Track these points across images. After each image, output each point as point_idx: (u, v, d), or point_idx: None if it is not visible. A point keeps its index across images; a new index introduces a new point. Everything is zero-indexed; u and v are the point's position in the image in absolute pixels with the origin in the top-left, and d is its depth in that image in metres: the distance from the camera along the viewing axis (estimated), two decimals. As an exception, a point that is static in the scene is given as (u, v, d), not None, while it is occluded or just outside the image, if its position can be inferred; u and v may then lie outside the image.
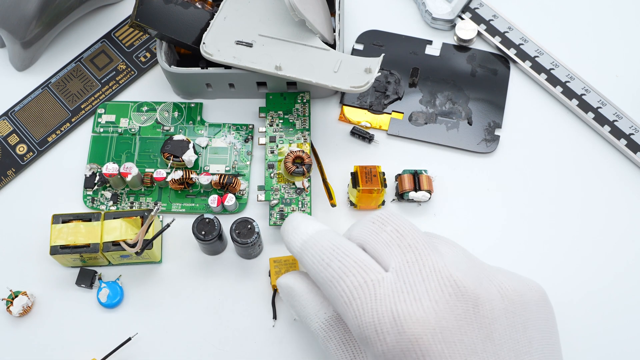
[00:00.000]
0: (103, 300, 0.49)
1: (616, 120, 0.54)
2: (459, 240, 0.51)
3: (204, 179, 0.51)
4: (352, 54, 0.57)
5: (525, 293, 0.39)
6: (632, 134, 0.53)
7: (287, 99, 0.54)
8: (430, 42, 0.58)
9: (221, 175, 0.51)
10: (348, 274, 0.37)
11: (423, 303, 0.35)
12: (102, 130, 0.54)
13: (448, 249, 0.40)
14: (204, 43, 0.51)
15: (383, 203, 0.52)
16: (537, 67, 0.56)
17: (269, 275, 0.49)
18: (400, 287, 0.36)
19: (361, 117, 0.55)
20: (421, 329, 0.35)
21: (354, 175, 0.50)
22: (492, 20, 0.58)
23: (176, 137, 0.52)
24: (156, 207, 0.47)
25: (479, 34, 0.58)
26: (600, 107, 0.54)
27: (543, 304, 0.39)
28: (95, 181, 0.52)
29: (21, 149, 0.54)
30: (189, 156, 0.51)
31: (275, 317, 0.49)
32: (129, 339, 0.47)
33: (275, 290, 0.49)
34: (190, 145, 0.52)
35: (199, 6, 0.54)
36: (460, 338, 0.35)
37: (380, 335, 0.35)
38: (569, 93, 0.55)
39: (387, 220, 0.40)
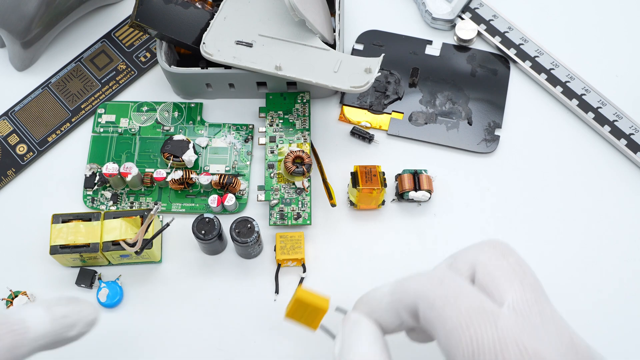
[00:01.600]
0: (103, 300, 0.49)
1: (616, 120, 0.54)
2: (458, 240, 0.51)
3: (204, 179, 0.51)
4: (352, 54, 0.57)
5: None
6: (632, 134, 0.53)
7: (287, 99, 0.54)
8: (430, 42, 0.58)
9: (221, 175, 0.51)
10: (463, 296, 0.34)
11: (545, 344, 0.33)
12: (102, 130, 0.54)
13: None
14: (204, 43, 0.51)
15: (383, 203, 0.52)
16: (537, 67, 0.56)
17: (274, 250, 0.50)
18: (519, 324, 0.33)
19: (361, 117, 0.55)
20: None
21: (354, 175, 0.50)
22: (492, 20, 0.58)
23: (176, 137, 0.52)
24: (156, 207, 0.47)
25: (479, 34, 0.58)
26: (600, 107, 0.54)
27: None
28: (95, 181, 0.52)
29: (21, 149, 0.54)
30: (189, 156, 0.51)
31: (277, 291, 0.49)
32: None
33: (279, 265, 0.49)
34: (190, 145, 0.52)
35: (199, 6, 0.54)
36: None
37: None
38: (569, 93, 0.55)
39: (510, 251, 0.37)
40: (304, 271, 0.50)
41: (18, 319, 0.36)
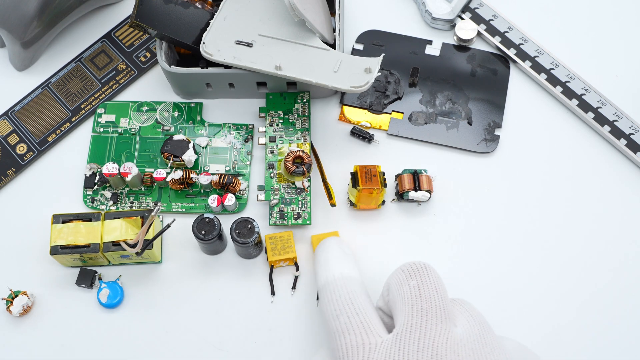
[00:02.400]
0: (103, 300, 0.49)
1: (616, 120, 0.54)
2: (458, 240, 0.51)
3: (203, 179, 0.51)
4: (352, 54, 0.57)
5: None
6: (632, 134, 0.53)
7: (287, 99, 0.54)
8: (430, 42, 0.58)
9: (221, 175, 0.51)
10: (350, 331, 0.39)
11: None
12: (102, 130, 0.54)
13: (465, 321, 0.39)
14: (204, 43, 0.51)
15: (383, 203, 0.52)
16: (537, 67, 0.56)
17: (265, 252, 0.50)
18: (393, 355, 0.37)
19: (361, 117, 0.55)
20: None
21: (353, 175, 0.50)
22: (492, 20, 0.58)
23: (176, 137, 0.52)
24: (156, 208, 0.47)
25: (479, 34, 0.58)
26: (600, 107, 0.54)
27: None
28: (95, 181, 0.52)
29: (21, 148, 0.54)
30: (189, 156, 0.51)
31: (273, 292, 0.49)
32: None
33: (272, 267, 0.50)
34: (190, 145, 0.52)
35: (199, 6, 0.54)
36: None
37: None
38: (569, 93, 0.55)
39: (414, 272, 0.40)
40: (297, 269, 0.50)
41: None
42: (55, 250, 0.47)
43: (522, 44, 0.57)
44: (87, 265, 0.50)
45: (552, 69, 0.56)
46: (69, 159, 0.54)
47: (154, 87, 0.57)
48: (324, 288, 0.43)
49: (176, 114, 0.55)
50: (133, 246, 0.47)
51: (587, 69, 0.56)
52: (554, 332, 0.49)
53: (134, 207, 0.52)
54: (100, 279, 0.50)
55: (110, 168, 0.50)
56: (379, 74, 0.55)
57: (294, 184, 0.51)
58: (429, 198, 0.51)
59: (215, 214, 0.51)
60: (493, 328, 0.40)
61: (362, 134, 0.54)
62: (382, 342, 0.38)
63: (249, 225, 0.48)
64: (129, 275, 0.50)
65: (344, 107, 0.55)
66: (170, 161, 0.52)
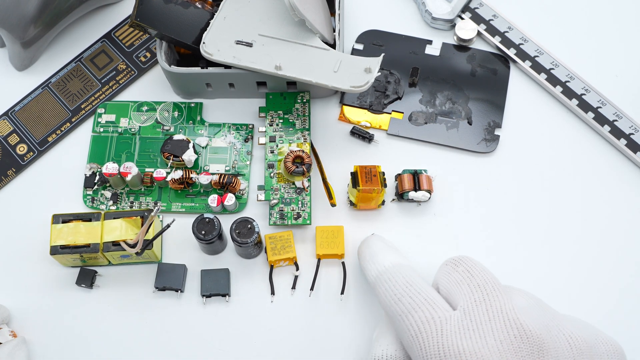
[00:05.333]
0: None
1: (616, 120, 0.54)
2: (458, 240, 0.51)
3: (203, 179, 0.51)
4: (352, 53, 0.57)
5: (596, 345, 0.39)
6: (632, 133, 0.53)
7: (287, 98, 0.54)
8: (430, 42, 0.58)
9: (221, 175, 0.51)
10: (417, 309, 0.39)
11: (488, 341, 0.36)
12: (102, 130, 0.54)
13: (520, 297, 0.40)
14: (204, 43, 0.51)
15: (383, 203, 0.52)
16: (537, 67, 0.56)
17: (265, 252, 0.50)
18: (466, 325, 0.37)
19: (361, 116, 0.55)
20: None
21: (354, 175, 0.50)
22: (492, 20, 0.58)
23: (176, 137, 0.52)
24: (156, 208, 0.47)
25: (479, 33, 0.58)
26: (600, 107, 0.54)
27: (617, 358, 0.39)
28: (95, 181, 0.52)
29: (21, 148, 0.54)
30: (189, 156, 0.51)
31: (273, 292, 0.49)
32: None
33: (272, 267, 0.49)
34: (190, 145, 0.52)
35: (199, 6, 0.54)
36: None
37: None
38: (569, 93, 0.55)
39: (459, 261, 0.41)
40: (297, 269, 0.50)
41: None
42: (55, 250, 0.47)
43: (522, 44, 0.57)
44: (87, 265, 0.50)
45: (552, 68, 0.56)
46: (69, 159, 0.54)
47: (154, 87, 0.57)
48: (377, 279, 0.43)
49: (176, 114, 0.55)
50: (133, 246, 0.47)
51: (587, 69, 0.56)
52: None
53: (134, 207, 0.52)
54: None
55: (110, 168, 0.50)
56: (379, 73, 0.55)
57: (294, 183, 0.51)
58: (429, 198, 0.51)
59: (215, 214, 0.51)
60: None
61: (362, 134, 0.54)
62: (450, 316, 0.38)
63: (249, 225, 0.48)
64: (128, 275, 0.50)
65: (344, 107, 0.55)
66: (170, 161, 0.52)
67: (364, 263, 0.46)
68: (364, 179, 0.49)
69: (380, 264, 0.44)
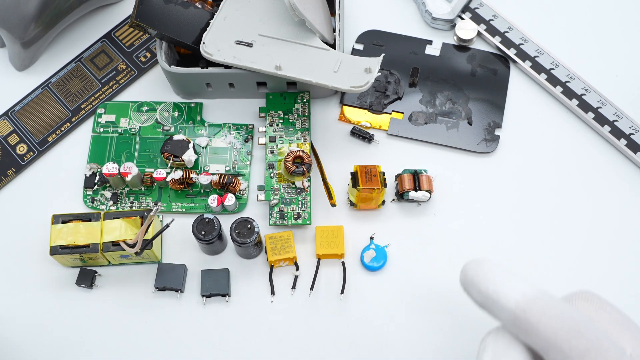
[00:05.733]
0: (367, 261, 0.50)
1: (616, 120, 0.54)
2: (458, 240, 0.51)
3: (203, 179, 0.51)
4: (352, 54, 0.57)
5: None
6: (632, 134, 0.53)
7: (287, 98, 0.54)
8: (430, 42, 0.58)
9: (221, 175, 0.51)
10: (606, 348, 0.33)
11: None
12: (102, 130, 0.54)
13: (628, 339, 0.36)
14: (204, 43, 0.51)
15: (383, 203, 0.52)
16: (537, 67, 0.56)
17: (265, 252, 0.50)
18: None
19: (361, 117, 0.55)
20: None
21: (354, 175, 0.50)
22: (492, 20, 0.58)
23: (176, 137, 0.52)
24: (156, 207, 0.47)
25: (479, 34, 0.58)
26: (600, 107, 0.54)
27: None
28: (95, 181, 0.52)
29: (21, 148, 0.54)
30: (189, 156, 0.51)
31: (273, 292, 0.49)
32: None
33: (272, 267, 0.50)
34: (190, 145, 0.52)
35: (199, 6, 0.54)
36: None
37: None
38: (569, 93, 0.55)
39: (603, 301, 0.37)
40: (297, 269, 0.50)
41: None
42: (55, 251, 0.47)
43: (522, 44, 0.57)
44: (87, 265, 0.50)
45: (552, 69, 0.56)
46: (69, 159, 0.54)
47: (154, 87, 0.57)
48: (516, 320, 0.35)
49: (176, 114, 0.55)
50: (132, 246, 0.47)
51: (587, 69, 0.56)
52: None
53: (133, 207, 0.52)
54: (371, 238, 0.50)
55: (110, 168, 0.50)
56: (379, 74, 0.55)
57: (294, 184, 0.51)
58: (429, 198, 0.51)
59: (215, 214, 0.51)
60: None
61: (362, 134, 0.54)
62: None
63: (249, 225, 0.48)
64: (128, 276, 0.50)
65: (344, 107, 0.55)
66: (170, 161, 0.52)
67: (484, 302, 0.36)
68: (364, 179, 0.49)
69: (513, 298, 0.35)
